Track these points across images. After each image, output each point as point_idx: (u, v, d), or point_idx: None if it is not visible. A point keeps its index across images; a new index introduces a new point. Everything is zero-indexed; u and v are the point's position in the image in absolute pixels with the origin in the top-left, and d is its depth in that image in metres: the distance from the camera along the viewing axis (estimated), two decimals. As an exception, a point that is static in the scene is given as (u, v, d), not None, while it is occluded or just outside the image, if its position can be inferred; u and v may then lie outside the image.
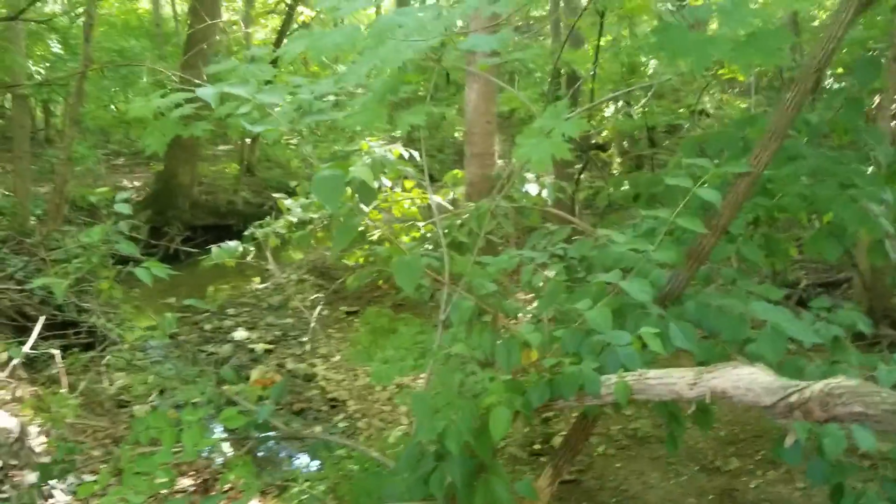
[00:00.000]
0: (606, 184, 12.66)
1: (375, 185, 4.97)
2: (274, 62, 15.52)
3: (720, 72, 11.49)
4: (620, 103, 13.16)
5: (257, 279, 11.99)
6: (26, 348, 5.41)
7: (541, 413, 5.86)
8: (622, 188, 4.90)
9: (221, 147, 18.17)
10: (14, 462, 4.44)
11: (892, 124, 7.23)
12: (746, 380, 2.05)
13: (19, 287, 8.12)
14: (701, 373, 2.20)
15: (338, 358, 8.90)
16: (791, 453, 2.31)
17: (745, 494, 5.61)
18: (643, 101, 12.79)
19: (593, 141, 14.51)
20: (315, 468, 6.08)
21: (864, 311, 7.21)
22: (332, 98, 2.90)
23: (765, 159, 2.84)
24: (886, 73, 7.38)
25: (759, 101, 11.29)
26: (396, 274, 2.57)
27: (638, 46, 10.87)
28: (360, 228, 5.39)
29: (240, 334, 9.81)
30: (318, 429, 6.79)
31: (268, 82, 2.73)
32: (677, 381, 2.27)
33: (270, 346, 9.44)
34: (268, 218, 4.72)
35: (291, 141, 19.09)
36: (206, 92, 2.62)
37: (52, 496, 4.45)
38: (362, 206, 2.56)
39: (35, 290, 8.13)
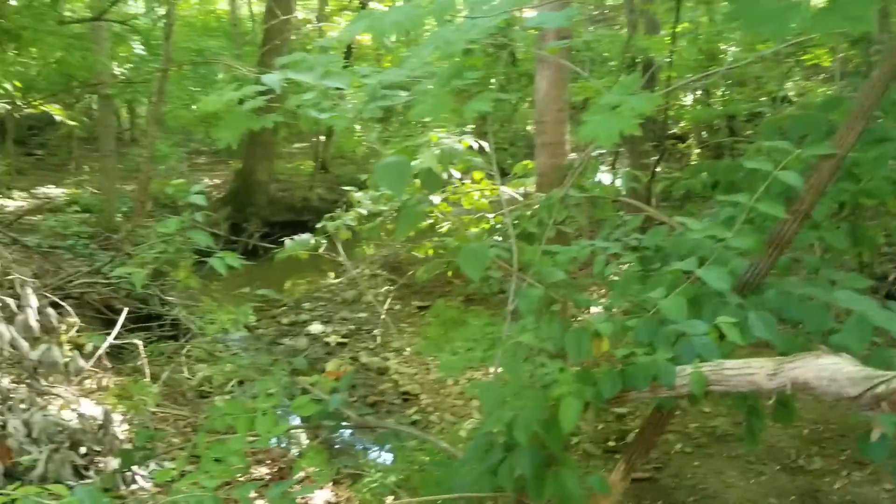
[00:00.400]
0: (682, 173, 12.37)
1: (444, 176, 4.99)
2: (347, 55, 15.71)
3: (804, 57, 11.07)
4: (699, 92, 12.82)
5: (332, 274, 12.17)
6: (111, 338, 5.60)
7: (614, 408, 5.76)
8: (700, 176, 4.75)
9: (297, 145, 18.51)
10: (98, 448, 4.61)
11: None
12: (830, 370, 1.94)
13: (106, 281, 8.44)
14: (782, 363, 2.10)
15: (410, 352, 8.96)
16: (877, 450, 2.18)
17: (828, 495, 5.39)
18: (722, 88, 12.42)
19: (671, 131, 14.18)
20: (387, 459, 6.14)
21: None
22: (399, 88, 2.89)
23: (850, 141, 2.70)
24: None
25: (844, 88, 10.81)
26: (463, 262, 2.54)
27: (717, 31, 10.57)
28: (430, 221, 5.40)
29: (315, 328, 9.99)
30: (390, 421, 6.84)
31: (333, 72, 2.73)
32: (756, 371, 2.17)
33: (344, 340, 9.59)
34: (338, 210, 4.75)
35: (364, 136, 19.36)
36: (270, 78, 2.65)
37: (134, 482, 4.61)
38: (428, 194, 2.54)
39: (121, 284, 8.46)
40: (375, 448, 6.73)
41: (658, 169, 10.72)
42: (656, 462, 5.93)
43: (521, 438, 2.44)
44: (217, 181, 16.75)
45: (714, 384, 2.33)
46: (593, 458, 5.99)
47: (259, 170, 15.39)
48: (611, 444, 6.27)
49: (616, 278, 3.38)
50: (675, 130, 14.48)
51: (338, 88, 2.57)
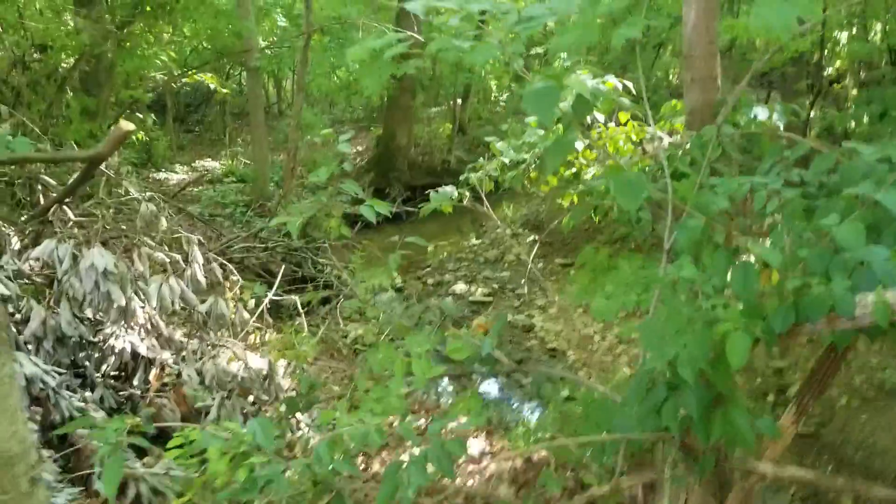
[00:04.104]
0: (846, 108, 11.48)
1: (588, 119, 4.84)
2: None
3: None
4: (854, 29, 11.79)
5: (473, 235, 12.27)
6: (273, 292, 5.89)
7: (786, 344, 5.44)
8: (866, 107, 4.38)
9: (434, 109, 18.64)
10: (265, 397, 4.87)
11: None
12: None
13: (263, 246, 8.89)
14: None
15: (555, 310, 8.90)
16: None
17: None
18: (882, 21, 11.35)
19: (826, 72, 13.19)
20: (536, 413, 6.15)
21: None
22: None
23: None
24: None
25: None
26: (618, 193, 2.43)
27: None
28: (573, 170, 5.27)
29: (460, 287, 10.12)
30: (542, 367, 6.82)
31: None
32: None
33: (489, 299, 9.65)
34: (481, 160, 4.73)
35: (501, 98, 19.21)
36: (413, 5, 2.62)
37: (299, 429, 4.84)
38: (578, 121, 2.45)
39: (277, 248, 8.89)
40: (524, 402, 6.76)
41: (813, 112, 10.02)
42: (820, 417, 5.62)
43: (687, 376, 2.33)
44: (360, 148, 17.17)
45: (902, 312, 2.13)
46: (753, 414, 5.75)
47: (399, 134, 15.64)
48: (770, 398, 5.99)
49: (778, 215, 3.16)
50: (829, 71, 13.46)
51: (482, 13, 2.51)
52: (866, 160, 2.76)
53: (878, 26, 11.37)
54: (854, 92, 13.18)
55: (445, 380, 7.06)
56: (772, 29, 1.78)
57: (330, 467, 2.32)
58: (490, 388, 7.11)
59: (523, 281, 9.70)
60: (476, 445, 4.95)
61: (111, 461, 2.34)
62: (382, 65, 3.18)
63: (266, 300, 5.83)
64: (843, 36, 12.27)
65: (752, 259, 2.53)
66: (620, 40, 2.61)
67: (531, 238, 11.10)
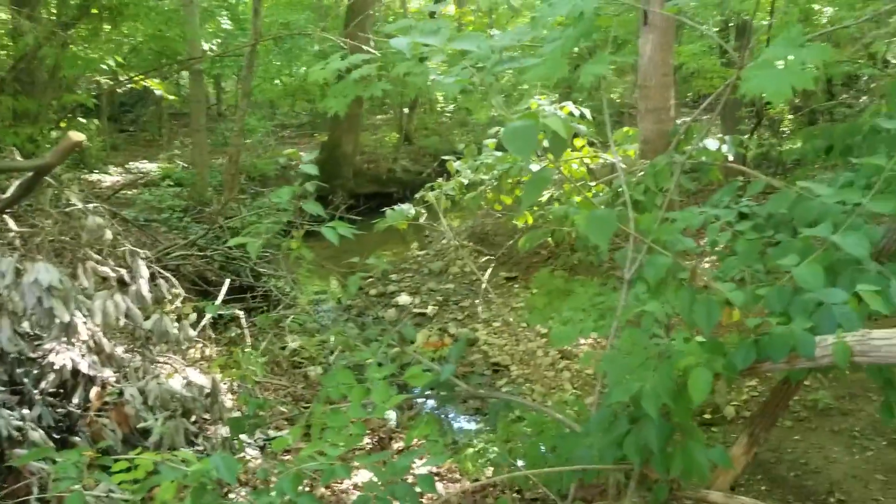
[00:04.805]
0: (779, 140, 11.86)
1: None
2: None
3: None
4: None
5: (414, 245, 12.22)
6: (218, 304, 5.74)
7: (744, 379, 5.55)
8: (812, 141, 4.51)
9: (380, 116, 18.60)
10: (207, 416, 4.73)
11: None
12: None
13: (201, 253, 8.67)
14: (942, 333, 1.96)
15: (499, 323, 8.92)
16: None
17: (940, 471, 5.15)
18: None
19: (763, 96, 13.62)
20: (484, 431, 6.14)
21: None
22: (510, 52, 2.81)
23: None
24: None
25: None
26: (588, 229, 2.45)
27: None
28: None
29: (403, 299, 10.05)
30: (503, 391, 6.83)
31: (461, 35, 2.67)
32: (912, 342, 2.03)
33: (433, 311, 9.61)
34: (439, 180, 4.71)
35: (447, 108, 19.26)
36: (400, 42, 2.60)
37: (242, 450, 4.73)
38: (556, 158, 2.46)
39: (214, 256, 8.68)
40: (464, 416, 6.75)
41: (754, 136, 10.35)
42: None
43: (650, 410, 2.36)
44: (303, 154, 16.97)
45: (860, 355, 2.20)
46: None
47: (345, 142, 15.51)
48: (706, 416, 6.13)
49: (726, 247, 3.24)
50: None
51: (464, 52, 2.51)
52: (822, 201, 2.84)
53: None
54: (789, 117, 13.66)
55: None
56: (762, 92, 1.82)
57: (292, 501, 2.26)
58: (429, 404, 7.07)
59: (471, 293, 9.70)
60: (424, 466, 4.91)
61: (72, 498, 2.24)
62: (348, 85, 3.15)
63: (209, 316, 5.69)
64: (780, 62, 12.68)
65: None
66: (588, 78, 2.65)
67: (477, 251, 11.13)
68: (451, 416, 6.91)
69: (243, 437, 4.76)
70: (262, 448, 5.12)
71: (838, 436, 5.63)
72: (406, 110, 17.28)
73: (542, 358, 7.91)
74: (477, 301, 8.98)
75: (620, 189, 4.08)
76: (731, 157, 4.30)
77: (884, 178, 2.71)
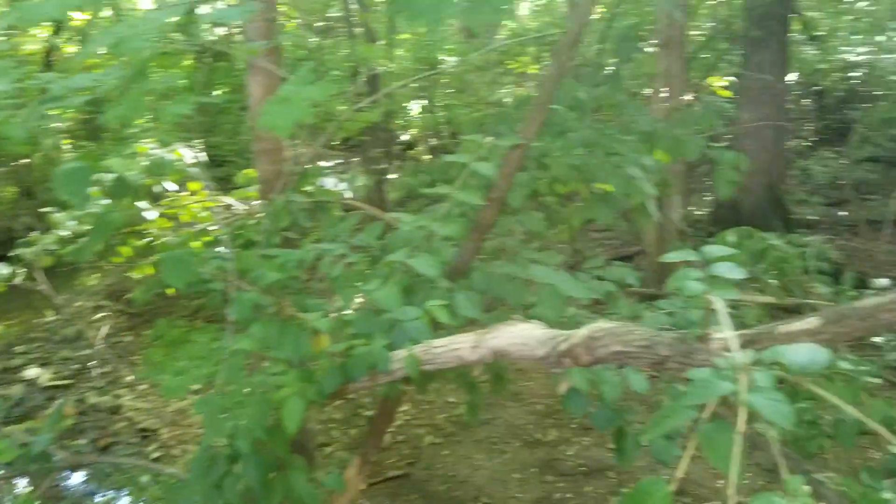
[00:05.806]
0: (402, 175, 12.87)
1: (159, 188, 4.71)
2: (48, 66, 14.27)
3: (510, 65, 12.04)
4: (425, 102, 13.34)
5: (47, 311, 11.05)
6: None
7: (333, 403, 5.73)
8: (419, 176, 4.95)
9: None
10: None
11: (663, 105, 7.86)
12: (522, 335, 2.09)
13: None
14: (482, 335, 2.23)
15: (146, 386, 8.38)
16: (575, 404, 2.39)
17: (564, 462, 5.88)
18: (443, 98, 13.07)
19: (402, 139, 14.74)
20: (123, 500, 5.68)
21: (651, 275, 7.79)
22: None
23: (532, 130, 2.95)
24: (656, 60, 8.06)
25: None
26: (164, 270, 2.40)
27: (432, 41, 11.09)
28: (148, 239, 5.08)
29: (32, 372, 9.00)
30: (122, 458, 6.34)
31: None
32: (461, 345, 2.28)
33: (68, 382, 8.74)
34: (36, 233, 4.29)
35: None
36: None
37: None
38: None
39: None
40: (109, 492, 6.20)
41: (388, 175, 11.06)
42: (409, 458, 6.09)
43: (243, 447, 2.36)
44: None
45: (427, 363, 2.41)
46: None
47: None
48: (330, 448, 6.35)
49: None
50: (406, 137, 15.08)
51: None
52: (405, 230, 3.10)
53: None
54: (427, 157, 14.87)
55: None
56: (273, 125, 1.93)
57: None
58: (75, 479, 6.39)
59: (108, 359, 8.98)
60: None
61: None
62: None
63: None
64: (416, 106, 13.78)
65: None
66: (170, 117, 2.60)
67: (115, 311, 10.37)
68: (96, 492, 6.31)
69: None
70: None
71: (480, 444, 6.18)
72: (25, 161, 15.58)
73: (194, 417, 7.57)
74: (107, 366, 8.36)
75: (237, 231, 4.09)
76: (352, 195, 4.52)
77: (455, 205, 3.04)
